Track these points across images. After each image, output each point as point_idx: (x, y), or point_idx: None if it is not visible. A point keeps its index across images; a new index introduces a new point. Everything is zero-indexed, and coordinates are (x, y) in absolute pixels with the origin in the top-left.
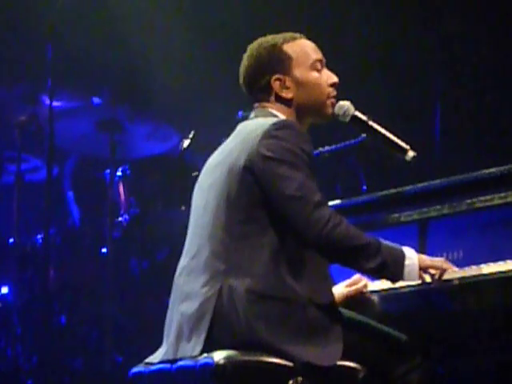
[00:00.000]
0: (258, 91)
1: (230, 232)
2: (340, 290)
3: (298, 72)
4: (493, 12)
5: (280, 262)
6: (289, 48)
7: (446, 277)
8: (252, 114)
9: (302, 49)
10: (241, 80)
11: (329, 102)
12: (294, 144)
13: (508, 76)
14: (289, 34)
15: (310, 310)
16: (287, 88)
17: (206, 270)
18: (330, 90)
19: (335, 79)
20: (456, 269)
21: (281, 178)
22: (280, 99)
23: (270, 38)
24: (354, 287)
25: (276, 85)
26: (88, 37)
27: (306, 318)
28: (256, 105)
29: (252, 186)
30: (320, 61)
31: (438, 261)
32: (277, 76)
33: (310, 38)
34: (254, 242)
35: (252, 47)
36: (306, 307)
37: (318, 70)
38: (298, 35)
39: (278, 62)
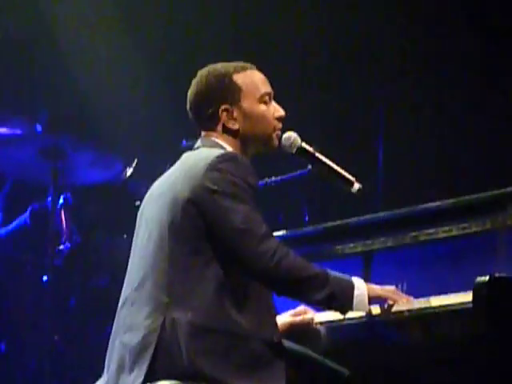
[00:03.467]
0: (205, 119)
1: (174, 264)
2: (285, 318)
3: (246, 104)
4: (432, 41)
5: (224, 294)
6: (239, 78)
7: (394, 309)
8: (197, 144)
9: (252, 80)
10: (188, 105)
11: (274, 134)
12: (239, 177)
13: (452, 108)
14: (240, 64)
15: (254, 344)
16: (234, 119)
17: (149, 301)
18: (276, 123)
19: (282, 113)
20: (406, 298)
21: (226, 211)
22: (226, 129)
23: (220, 66)
24: (299, 317)
25: (223, 115)
26: (31, 62)
27: (249, 352)
28: (202, 133)
29: (196, 219)
30: (268, 94)
31: (388, 290)
32: (224, 106)
33: (259, 68)
34: (197, 274)
35: (202, 73)
36: (249, 341)
37: (266, 103)
38: (248, 65)
39: (227, 92)
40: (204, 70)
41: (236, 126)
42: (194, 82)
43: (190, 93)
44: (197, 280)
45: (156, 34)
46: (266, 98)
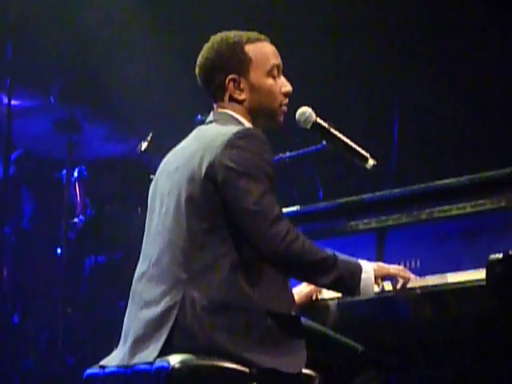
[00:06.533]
0: (212, 87)
1: (192, 240)
2: (301, 289)
3: (254, 75)
4: (452, 21)
5: (239, 271)
6: (250, 49)
7: (407, 286)
8: (210, 117)
9: (263, 52)
10: (197, 70)
11: (280, 110)
12: (257, 154)
13: (467, 85)
14: (253, 34)
15: (271, 320)
16: (241, 90)
17: (167, 277)
18: (282, 98)
19: (289, 88)
20: (414, 277)
21: (240, 191)
22: (232, 99)
23: (233, 35)
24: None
25: (230, 85)
26: (48, 36)
27: (267, 328)
28: (214, 105)
29: (214, 195)
30: (277, 66)
31: (396, 269)
32: (232, 76)
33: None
34: (214, 251)
35: (214, 40)
36: (266, 316)
37: (274, 77)
38: (262, 36)
39: (236, 61)
40: (217, 36)
41: (242, 97)
42: (206, 47)
43: (200, 58)
44: (213, 257)
45: (172, 7)
46: (275, 70)
